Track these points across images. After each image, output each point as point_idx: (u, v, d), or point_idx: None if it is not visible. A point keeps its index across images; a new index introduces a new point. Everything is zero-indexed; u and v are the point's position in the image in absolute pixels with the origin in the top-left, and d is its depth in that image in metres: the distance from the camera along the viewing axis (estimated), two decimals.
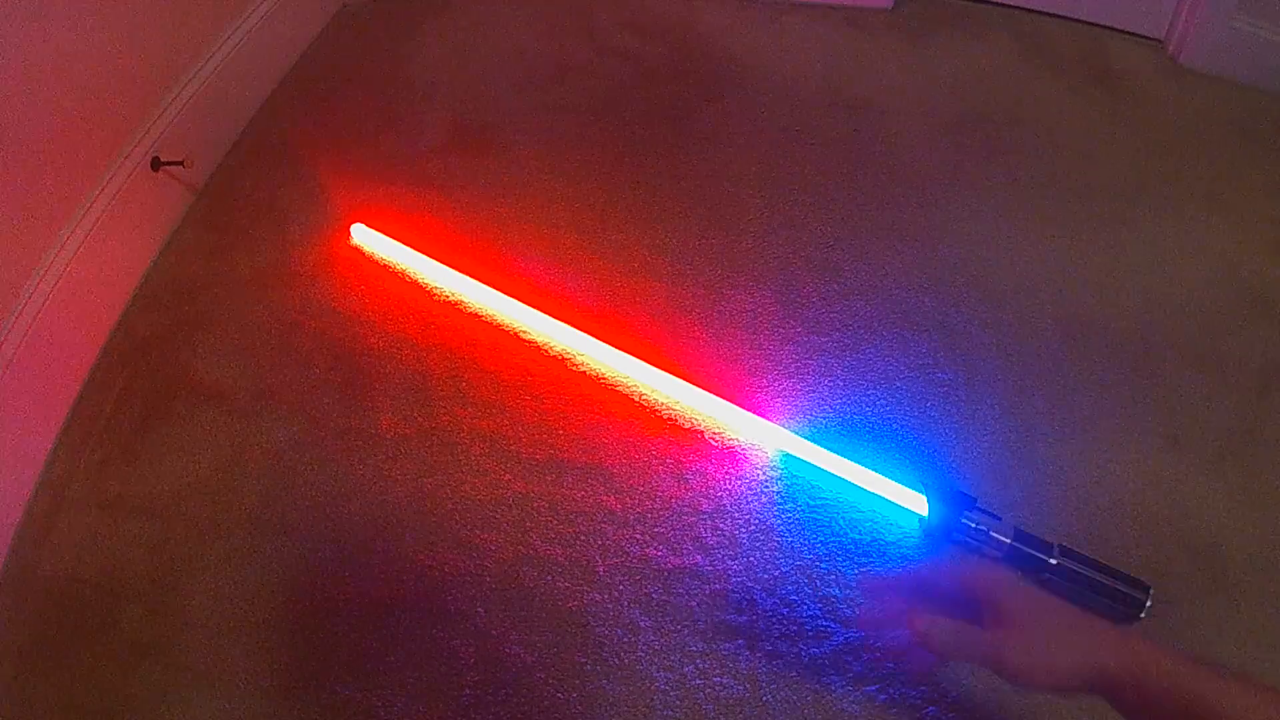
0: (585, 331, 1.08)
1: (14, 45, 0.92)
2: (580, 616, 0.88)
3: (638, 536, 0.93)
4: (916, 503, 0.92)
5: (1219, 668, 0.52)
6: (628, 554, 0.92)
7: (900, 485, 0.94)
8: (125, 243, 1.14)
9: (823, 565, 0.91)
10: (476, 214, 1.25)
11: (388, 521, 0.94)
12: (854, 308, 1.13)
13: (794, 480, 0.97)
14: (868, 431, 1.01)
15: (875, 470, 0.95)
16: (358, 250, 1.21)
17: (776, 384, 1.05)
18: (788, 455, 0.99)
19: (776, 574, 0.90)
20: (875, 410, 1.03)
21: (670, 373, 1.04)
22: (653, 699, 0.82)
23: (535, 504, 0.95)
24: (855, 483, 0.95)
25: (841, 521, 0.94)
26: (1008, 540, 0.88)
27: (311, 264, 1.19)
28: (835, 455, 0.96)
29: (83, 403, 1.05)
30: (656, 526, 0.94)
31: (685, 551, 0.92)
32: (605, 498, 0.96)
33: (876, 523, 0.94)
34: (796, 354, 1.08)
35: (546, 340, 1.10)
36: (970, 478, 0.97)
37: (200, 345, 1.10)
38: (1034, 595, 0.61)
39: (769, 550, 0.92)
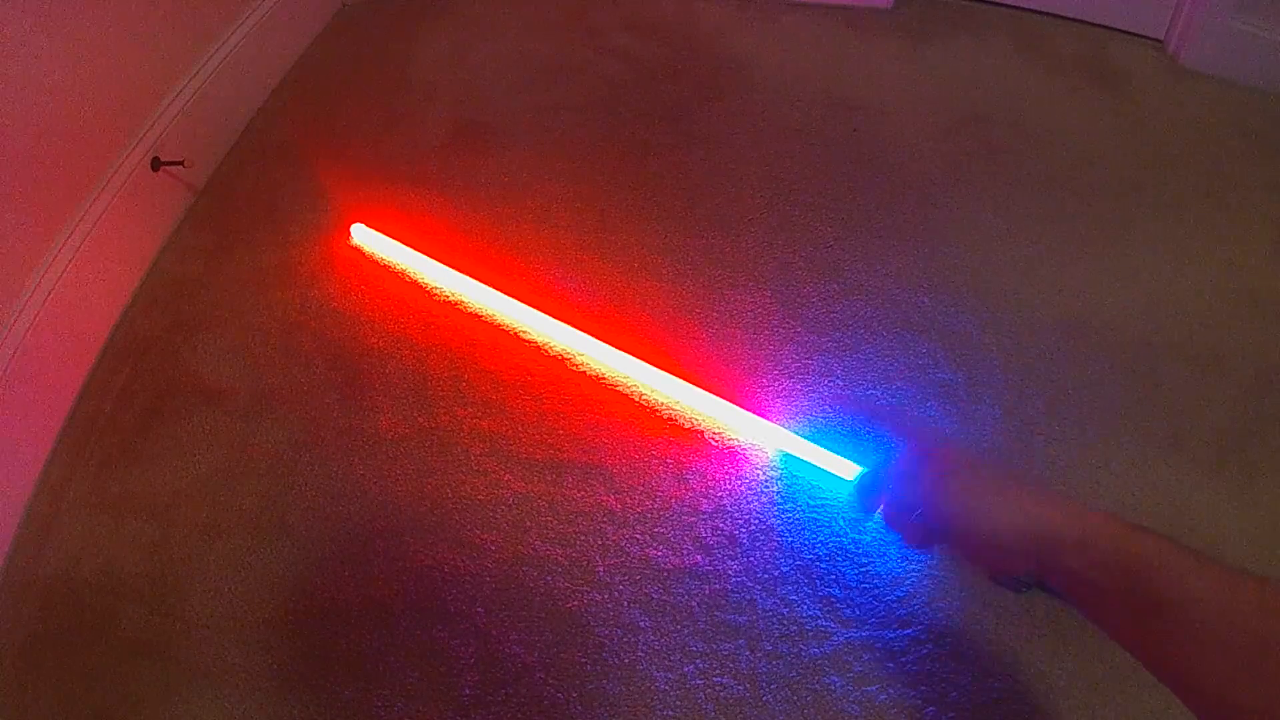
0: (585, 331, 1.08)
1: (15, 46, 0.92)
2: (580, 616, 0.88)
3: (638, 536, 0.93)
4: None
5: (1171, 540, 0.48)
6: (628, 554, 0.92)
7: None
8: (125, 243, 1.14)
9: (823, 565, 0.91)
10: (476, 214, 1.25)
11: (388, 521, 0.94)
12: (854, 308, 1.13)
13: (794, 480, 0.97)
14: (868, 432, 1.01)
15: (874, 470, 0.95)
16: (358, 250, 1.21)
17: (776, 384, 1.05)
18: (788, 455, 0.99)
19: (776, 574, 0.90)
20: (876, 409, 1.03)
21: (670, 373, 1.04)
22: (653, 699, 0.82)
23: (535, 504, 0.95)
24: (855, 482, 0.95)
25: (841, 521, 0.94)
26: None
27: (311, 264, 1.19)
28: (835, 455, 0.96)
29: (83, 403, 1.05)
30: (656, 526, 0.94)
31: (685, 551, 0.92)
32: (605, 498, 0.96)
33: (876, 522, 0.94)
34: (796, 354, 1.08)
35: (546, 340, 1.10)
36: None
37: (200, 345, 1.10)
38: (977, 458, 0.63)
39: (769, 550, 0.92)
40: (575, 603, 0.88)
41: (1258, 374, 1.07)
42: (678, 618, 0.87)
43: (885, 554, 0.92)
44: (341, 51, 1.54)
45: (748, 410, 1.00)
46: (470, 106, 1.42)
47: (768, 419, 1.00)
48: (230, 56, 1.31)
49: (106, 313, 1.12)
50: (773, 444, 0.99)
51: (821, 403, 1.04)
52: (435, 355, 1.09)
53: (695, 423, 1.02)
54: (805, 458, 0.97)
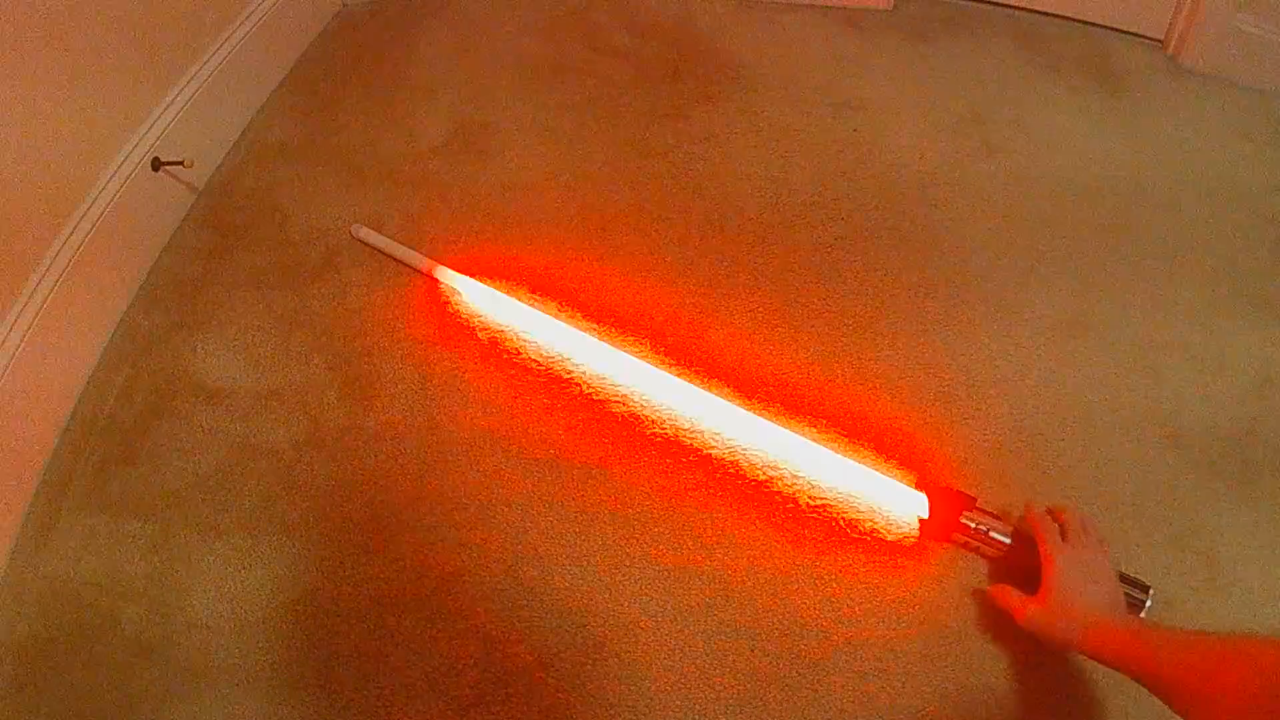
0: (585, 331, 1.08)
1: (14, 45, 0.92)
2: (580, 616, 0.88)
3: (638, 536, 0.93)
4: (916, 503, 0.92)
5: (1167, 638, 0.67)
6: (628, 554, 0.92)
7: (900, 485, 0.94)
8: (125, 243, 1.14)
9: (823, 564, 0.91)
10: (476, 214, 1.25)
11: (388, 521, 0.94)
12: (854, 308, 1.13)
13: (794, 480, 0.97)
14: (869, 431, 1.01)
15: (875, 470, 0.95)
16: (358, 250, 1.21)
17: (776, 383, 1.05)
18: (787, 455, 0.99)
19: (777, 573, 0.90)
20: (876, 410, 1.03)
21: (670, 373, 1.04)
22: (653, 699, 0.82)
23: (535, 504, 0.95)
24: (855, 482, 0.95)
25: (841, 521, 0.94)
26: (1007, 540, 0.88)
27: (312, 264, 1.19)
28: (835, 455, 0.96)
29: (83, 402, 1.05)
30: (656, 526, 0.94)
31: (685, 550, 0.92)
32: (605, 498, 0.96)
33: (876, 522, 0.94)
34: (796, 354, 1.08)
35: (546, 340, 1.10)
36: (970, 478, 0.97)
37: (200, 345, 1.10)
38: (1057, 578, 0.79)
39: (769, 549, 0.92)
40: (575, 602, 0.88)
41: (1258, 374, 1.07)
42: (678, 618, 0.87)
43: (885, 553, 0.92)
44: (341, 51, 1.54)
45: (748, 410, 1.00)
46: (470, 106, 1.42)
47: (768, 418, 1.00)
48: (230, 56, 1.31)
49: (107, 313, 1.12)
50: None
51: (821, 402, 1.04)
52: (435, 355, 1.09)
53: (695, 422, 1.02)
54: (807, 459, 0.97)
